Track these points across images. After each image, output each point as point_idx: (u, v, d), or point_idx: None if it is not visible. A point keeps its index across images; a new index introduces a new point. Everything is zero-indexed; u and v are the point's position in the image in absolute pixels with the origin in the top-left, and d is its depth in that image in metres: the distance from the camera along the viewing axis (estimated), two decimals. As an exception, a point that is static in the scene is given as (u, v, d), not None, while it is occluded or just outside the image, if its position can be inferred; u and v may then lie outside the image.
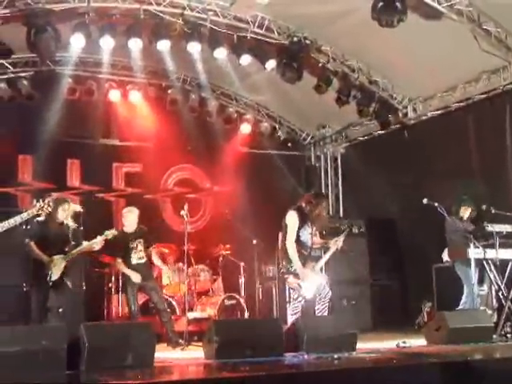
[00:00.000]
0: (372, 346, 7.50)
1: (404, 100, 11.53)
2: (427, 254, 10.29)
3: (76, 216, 9.86)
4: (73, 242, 7.75)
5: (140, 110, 11.86)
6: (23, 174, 11.19)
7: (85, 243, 7.82)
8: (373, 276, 11.61)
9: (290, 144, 13.36)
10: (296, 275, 7.42)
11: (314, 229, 7.73)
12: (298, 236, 7.47)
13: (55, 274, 7.51)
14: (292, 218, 7.52)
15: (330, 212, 12.66)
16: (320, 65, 10.65)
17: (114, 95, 11.47)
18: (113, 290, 9.77)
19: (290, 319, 7.43)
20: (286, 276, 7.52)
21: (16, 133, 10.59)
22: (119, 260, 8.65)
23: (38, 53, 9.30)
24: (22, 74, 10.62)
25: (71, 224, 7.96)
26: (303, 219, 7.54)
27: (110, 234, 8.04)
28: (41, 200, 7.53)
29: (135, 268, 8.56)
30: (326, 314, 7.54)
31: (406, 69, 10.37)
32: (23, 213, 7.33)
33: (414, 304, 10.99)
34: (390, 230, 12.03)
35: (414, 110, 11.51)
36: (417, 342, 7.56)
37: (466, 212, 9.02)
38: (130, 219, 8.75)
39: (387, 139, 11.82)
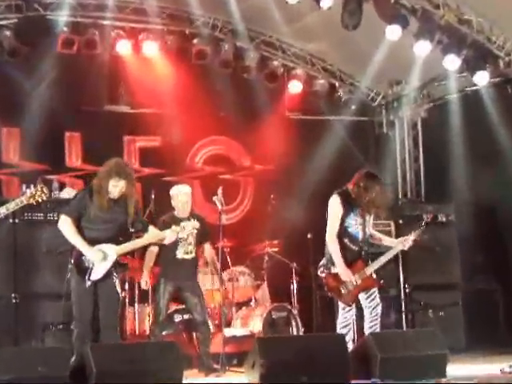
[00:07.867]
0: (467, 370, 7.47)
1: (507, 44, 11.35)
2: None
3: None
4: (132, 230, 7.20)
5: (157, 65, 11.92)
6: (8, 152, 11.36)
7: (152, 231, 7.36)
8: (467, 279, 11.52)
9: (353, 107, 13.31)
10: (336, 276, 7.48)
11: (368, 217, 7.75)
12: (344, 227, 7.55)
13: (97, 271, 6.97)
14: (333, 204, 7.60)
15: (395, 196, 12.51)
16: (392, 0, 10.55)
17: (123, 47, 11.50)
18: (127, 300, 9.86)
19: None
20: (323, 275, 7.61)
21: (-3, 99, 10.75)
22: (153, 249, 8.56)
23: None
24: (3, 23, 10.71)
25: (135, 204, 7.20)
26: (349, 205, 7.58)
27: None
28: (32, 186, 7.66)
29: (178, 263, 8.55)
30: None
31: (509, 2, 10.20)
32: (10, 202, 7.49)
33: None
34: (488, 218, 11.91)
35: (520, 57, 11.36)
36: (527, 366, 7.50)
37: None
38: (181, 200, 8.73)
39: (484, 97, 11.66)
